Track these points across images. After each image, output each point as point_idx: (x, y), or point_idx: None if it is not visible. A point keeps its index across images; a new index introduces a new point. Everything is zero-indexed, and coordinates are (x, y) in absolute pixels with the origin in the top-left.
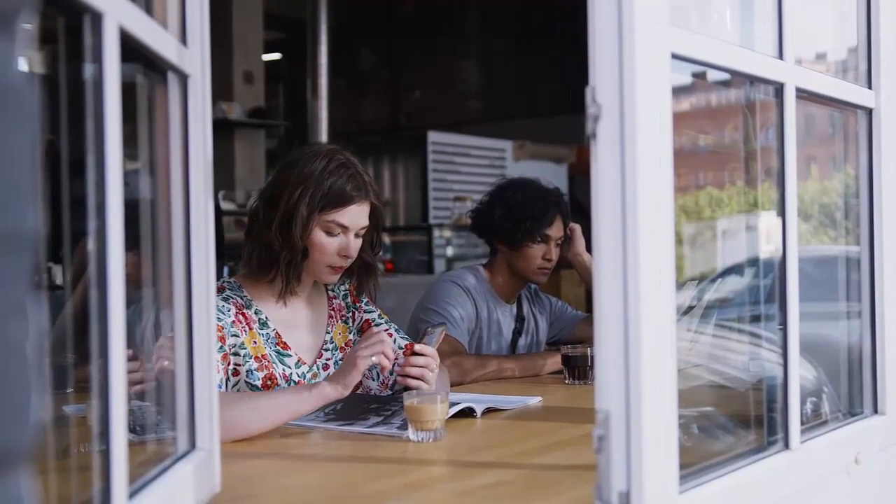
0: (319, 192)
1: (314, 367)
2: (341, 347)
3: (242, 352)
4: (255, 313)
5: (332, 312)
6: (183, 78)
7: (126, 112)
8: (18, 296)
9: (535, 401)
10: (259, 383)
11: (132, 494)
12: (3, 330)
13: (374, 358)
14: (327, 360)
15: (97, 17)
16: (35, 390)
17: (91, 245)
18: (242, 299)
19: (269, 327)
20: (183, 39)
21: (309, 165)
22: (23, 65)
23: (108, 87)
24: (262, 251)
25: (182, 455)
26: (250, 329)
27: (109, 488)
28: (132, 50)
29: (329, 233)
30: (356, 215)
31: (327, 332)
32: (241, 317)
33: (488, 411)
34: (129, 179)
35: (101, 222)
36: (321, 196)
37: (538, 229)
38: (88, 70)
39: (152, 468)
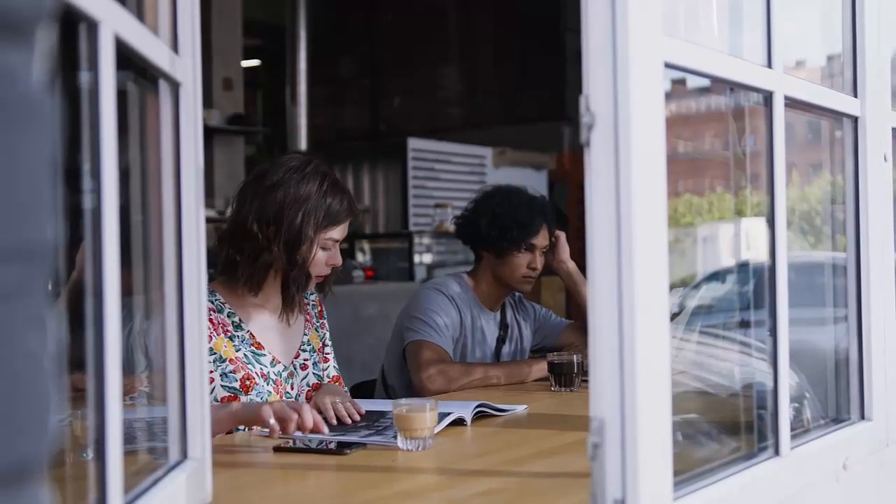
0: (321, 213)
1: (290, 367)
2: (318, 350)
3: (212, 357)
4: (228, 316)
5: (308, 316)
6: (175, 86)
7: (117, 120)
8: (37, 307)
9: (521, 409)
10: (237, 384)
11: None
12: (23, 342)
13: (272, 421)
14: (305, 360)
15: (93, 26)
16: (53, 402)
17: (87, 253)
18: (213, 303)
19: (243, 329)
20: (175, 47)
21: (303, 186)
22: (41, 75)
23: (103, 95)
24: (262, 270)
25: (174, 465)
26: (219, 335)
27: (105, 499)
28: (124, 57)
29: (324, 248)
30: (346, 228)
31: (304, 334)
32: (209, 322)
33: (479, 416)
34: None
35: (97, 230)
36: (323, 217)
37: (524, 238)
38: (83, 77)
39: (144, 478)
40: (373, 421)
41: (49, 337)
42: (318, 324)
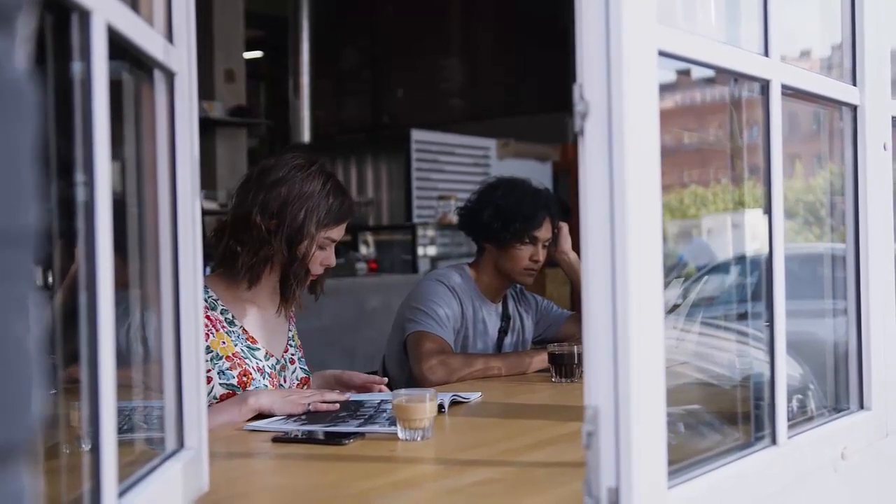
0: (323, 211)
1: (282, 360)
2: (299, 347)
3: (209, 355)
4: (221, 313)
5: (291, 314)
6: (170, 76)
7: (111, 111)
8: (21, 292)
9: (475, 396)
10: (235, 381)
11: (121, 493)
12: (6, 326)
13: (310, 407)
14: (292, 355)
15: (85, 15)
16: (36, 386)
17: (80, 246)
18: (206, 301)
19: (236, 325)
20: (169, 37)
21: (307, 184)
22: (22, 62)
23: (96, 85)
24: (262, 263)
25: (170, 454)
26: (217, 331)
27: (99, 487)
28: (118, 47)
29: (321, 247)
30: (343, 230)
31: (290, 330)
32: (205, 320)
33: (453, 404)
34: (116, 179)
35: (90, 222)
36: (325, 215)
37: (527, 231)
38: (75, 68)
39: (140, 467)
40: (354, 411)
41: (33, 321)
42: (295, 322)
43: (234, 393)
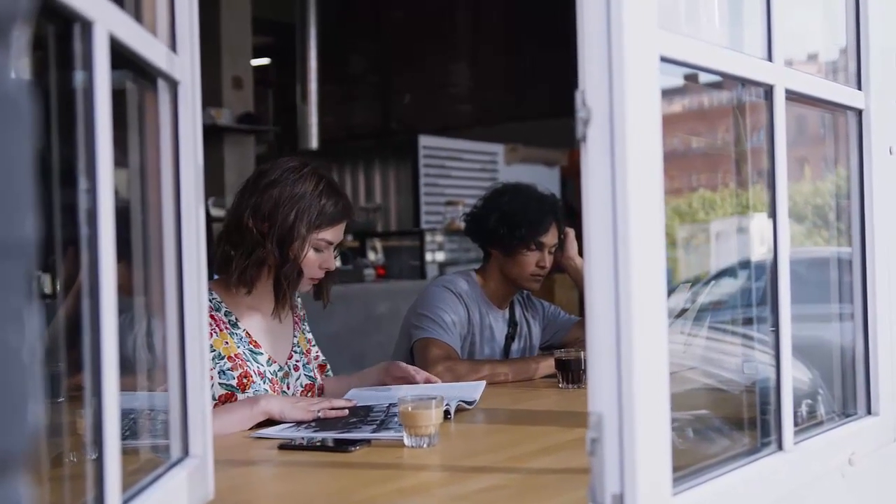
0: (315, 212)
1: (285, 367)
2: (305, 352)
3: (212, 354)
4: (225, 315)
5: (296, 319)
6: (173, 85)
7: (115, 119)
8: (17, 302)
9: (479, 387)
10: (234, 382)
11: (125, 502)
12: (2, 336)
13: (320, 414)
14: (296, 361)
15: (87, 25)
16: (32, 396)
17: (83, 253)
18: (211, 302)
19: (239, 328)
20: (173, 46)
21: (299, 186)
22: (18, 73)
23: (98, 95)
24: (255, 266)
25: (175, 462)
26: (221, 331)
27: (103, 496)
28: (121, 57)
29: (317, 249)
30: (341, 232)
31: (294, 336)
32: (209, 319)
33: (458, 410)
34: (118, 187)
35: (93, 230)
36: (317, 216)
37: (533, 236)
38: (78, 77)
39: (145, 475)
40: (363, 417)
41: (28, 332)
42: (304, 327)
43: (233, 394)
